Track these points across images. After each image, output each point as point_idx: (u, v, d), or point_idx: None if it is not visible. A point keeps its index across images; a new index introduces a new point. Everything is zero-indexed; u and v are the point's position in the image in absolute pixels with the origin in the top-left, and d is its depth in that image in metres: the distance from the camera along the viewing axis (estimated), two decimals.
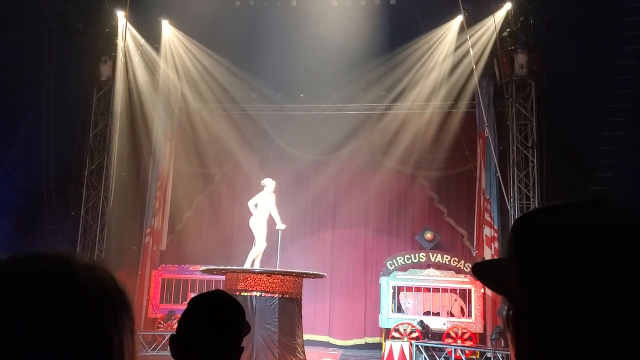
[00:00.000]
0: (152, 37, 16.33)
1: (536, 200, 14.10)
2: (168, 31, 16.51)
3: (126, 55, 15.82)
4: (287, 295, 10.31)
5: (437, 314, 15.24)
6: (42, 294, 0.67)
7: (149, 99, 16.33)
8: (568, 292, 0.64)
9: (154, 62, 16.46)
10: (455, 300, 15.36)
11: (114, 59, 15.68)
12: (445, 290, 15.37)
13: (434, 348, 14.09)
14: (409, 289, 15.50)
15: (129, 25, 15.71)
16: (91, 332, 0.68)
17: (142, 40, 16.20)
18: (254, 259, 11.39)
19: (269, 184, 11.95)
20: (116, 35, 15.65)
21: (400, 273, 15.53)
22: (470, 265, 15.03)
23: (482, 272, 0.78)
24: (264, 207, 11.76)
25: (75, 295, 0.69)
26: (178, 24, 16.33)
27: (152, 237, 16.27)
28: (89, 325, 0.68)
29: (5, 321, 0.64)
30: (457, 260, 15.47)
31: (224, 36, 15.40)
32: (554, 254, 0.66)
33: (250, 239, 11.96)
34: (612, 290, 0.62)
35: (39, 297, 0.66)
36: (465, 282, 15.01)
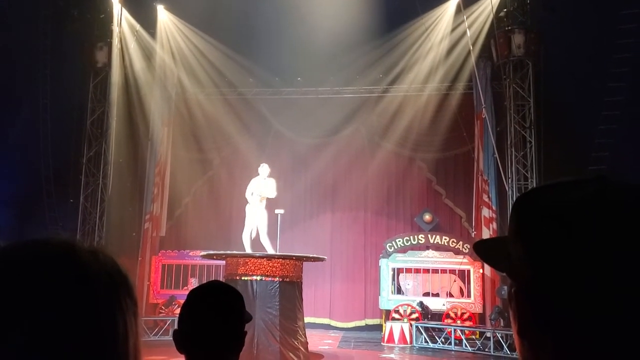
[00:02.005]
0: (148, 22, 16.22)
1: (534, 181, 14.12)
2: (163, 16, 16.40)
3: (122, 41, 15.75)
4: (288, 279, 10.35)
5: (437, 295, 15.33)
6: (46, 279, 0.68)
7: (145, 85, 16.27)
8: (574, 268, 0.64)
9: (150, 47, 16.37)
10: (455, 281, 15.45)
11: (109, 45, 15.59)
12: (444, 271, 15.45)
13: (433, 329, 14.21)
14: (408, 270, 15.58)
15: (124, 10, 15.63)
16: (96, 315, 0.69)
17: (138, 26, 16.10)
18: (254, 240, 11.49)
19: (261, 171, 11.83)
20: (111, 21, 15.53)
21: (399, 255, 15.60)
22: (469, 247, 15.12)
23: (484, 250, 0.78)
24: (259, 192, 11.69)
25: (79, 279, 0.70)
26: (173, 9, 16.21)
27: (152, 223, 16.30)
28: (94, 309, 0.69)
29: (10, 306, 0.66)
30: (455, 241, 15.55)
31: (219, 20, 15.29)
32: (560, 231, 0.66)
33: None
34: (620, 266, 0.62)
35: (43, 282, 0.68)
36: (464, 262, 15.09)
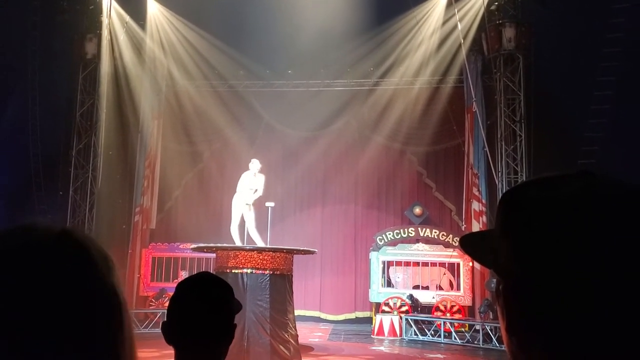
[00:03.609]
0: (137, 14, 16.10)
1: (524, 174, 14.19)
2: (153, 8, 16.29)
3: (111, 32, 15.64)
4: (278, 272, 10.34)
5: (427, 288, 15.40)
6: (43, 255, 0.68)
7: (135, 77, 16.17)
8: (562, 265, 0.63)
9: (140, 39, 16.26)
10: (444, 274, 15.53)
11: (99, 37, 15.48)
12: (434, 264, 15.52)
13: (423, 321, 14.28)
14: (398, 263, 15.64)
15: (113, 2, 15.51)
16: (96, 290, 0.70)
17: (127, 17, 15.98)
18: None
19: (252, 166, 11.66)
20: (101, 13, 15.42)
21: (389, 248, 15.65)
22: (458, 240, 15.18)
23: (469, 245, 0.77)
24: (252, 187, 11.53)
25: (78, 254, 0.70)
26: (163, 0, 16.11)
27: (142, 215, 16.25)
28: (95, 283, 0.70)
29: (12, 284, 0.65)
30: (445, 234, 15.61)
31: (210, 12, 15.21)
32: (547, 227, 0.65)
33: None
34: (607, 262, 0.62)
35: (41, 260, 0.68)
36: (453, 256, 15.16)
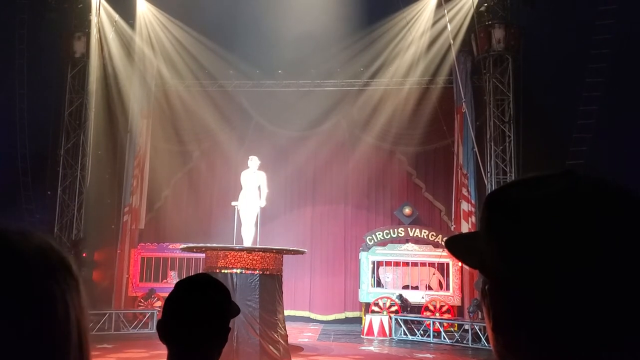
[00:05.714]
0: (127, 12, 16.03)
1: (513, 175, 14.27)
2: (143, 7, 16.22)
3: (100, 31, 15.56)
4: (268, 272, 10.33)
5: (416, 288, 15.44)
6: None
7: (124, 76, 16.10)
8: (547, 265, 0.64)
9: (129, 38, 16.19)
10: (434, 274, 15.57)
11: (88, 35, 15.40)
12: (423, 264, 15.56)
13: (412, 321, 14.31)
14: (388, 263, 15.67)
15: (102, 0, 15.43)
16: (30, 295, 0.65)
17: (117, 16, 15.92)
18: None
19: (251, 164, 11.52)
20: (90, 11, 15.35)
21: (379, 248, 15.68)
22: (444, 241, 15.22)
23: (455, 246, 0.77)
24: (253, 185, 11.39)
25: (9, 261, 0.66)
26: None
27: (131, 215, 16.17)
28: (28, 288, 0.65)
29: None
30: (435, 234, 15.66)
31: (199, 11, 15.18)
32: (531, 226, 0.66)
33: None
34: (592, 260, 0.62)
35: None
36: (443, 256, 15.20)
